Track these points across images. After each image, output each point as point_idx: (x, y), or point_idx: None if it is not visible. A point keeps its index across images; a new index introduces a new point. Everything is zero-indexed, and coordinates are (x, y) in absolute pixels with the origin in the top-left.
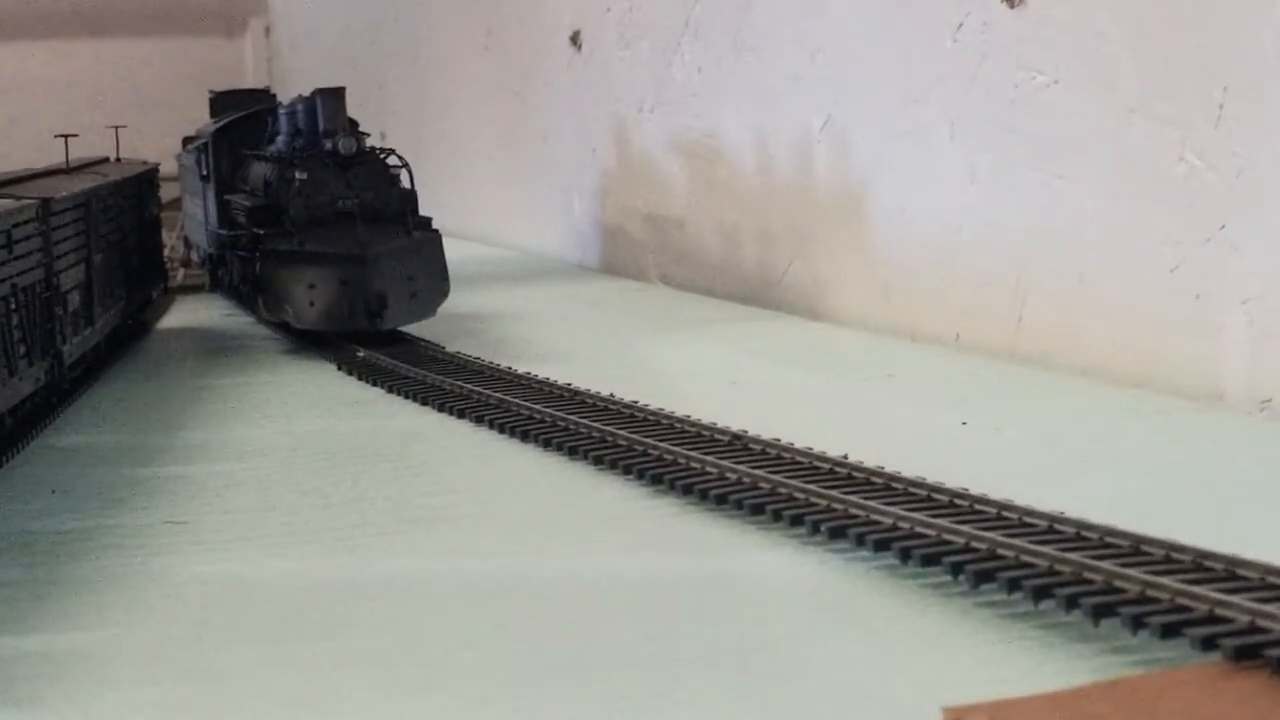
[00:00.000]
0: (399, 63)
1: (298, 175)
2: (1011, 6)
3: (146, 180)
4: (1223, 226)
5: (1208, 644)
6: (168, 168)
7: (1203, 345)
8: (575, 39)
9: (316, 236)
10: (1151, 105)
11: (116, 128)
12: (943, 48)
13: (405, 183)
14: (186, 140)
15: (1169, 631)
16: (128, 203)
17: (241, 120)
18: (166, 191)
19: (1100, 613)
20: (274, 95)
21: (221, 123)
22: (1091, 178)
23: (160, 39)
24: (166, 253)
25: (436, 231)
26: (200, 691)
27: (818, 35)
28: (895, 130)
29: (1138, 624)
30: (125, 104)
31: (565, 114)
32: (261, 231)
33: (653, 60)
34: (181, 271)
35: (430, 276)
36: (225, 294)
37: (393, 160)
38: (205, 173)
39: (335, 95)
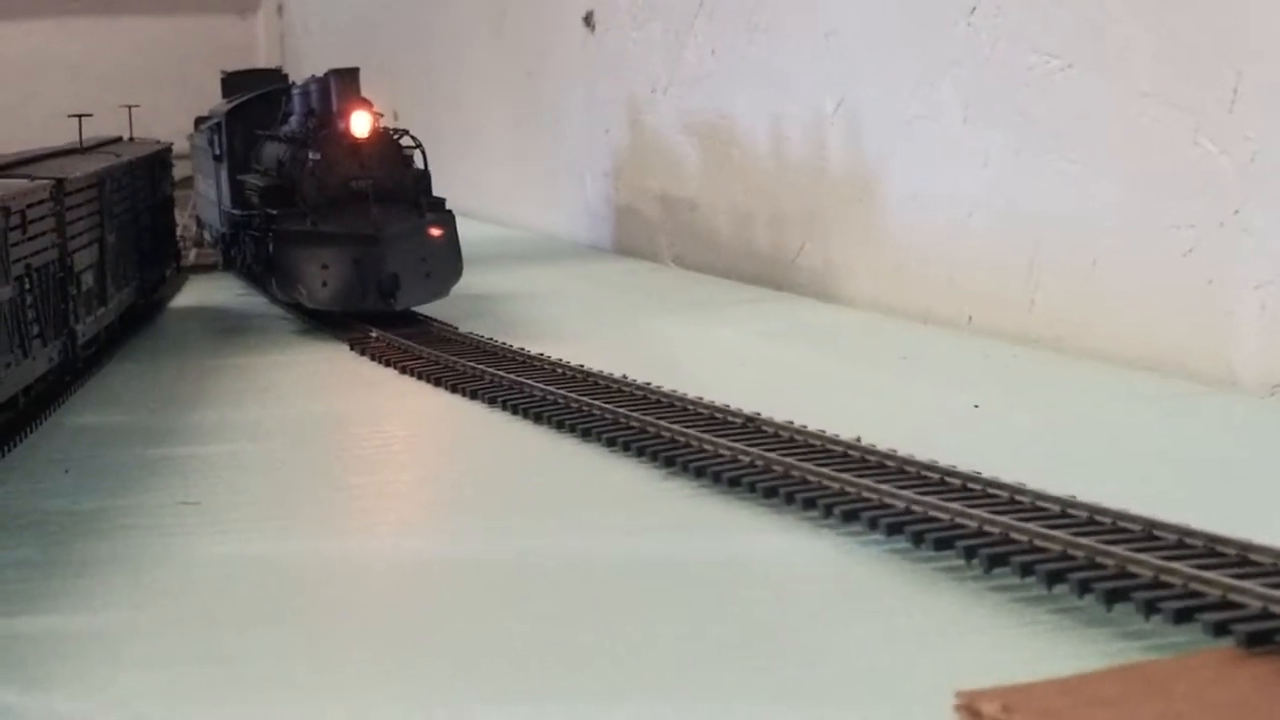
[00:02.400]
0: (412, 42)
1: (311, 155)
2: None
3: (159, 160)
4: (1236, 211)
5: (1220, 629)
6: (180, 146)
7: (1215, 329)
8: (588, 19)
9: (330, 217)
10: (1165, 89)
11: (129, 107)
12: (956, 30)
13: (419, 163)
14: (199, 120)
15: (1182, 617)
16: (141, 182)
17: (254, 100)
18: (178, 170)
19: (1113, 598)
20: (286, 75)
21: (235, 103)
22: (1105, 162)
23: (172, 17)
24: (179, 232)
25: (450, 212)
26: (212, 673)
27: (831, 17)
28: (908, 113)
29: (1150, 609)
30: (137, 83)
31: (578, 94)
32: (274, 211)
33: (666, 41)
34: (194, 251)
35: (444, 257)
36: (238, 274)
37: (406, 141)
38: (218, 153)
39: (349, 75)
